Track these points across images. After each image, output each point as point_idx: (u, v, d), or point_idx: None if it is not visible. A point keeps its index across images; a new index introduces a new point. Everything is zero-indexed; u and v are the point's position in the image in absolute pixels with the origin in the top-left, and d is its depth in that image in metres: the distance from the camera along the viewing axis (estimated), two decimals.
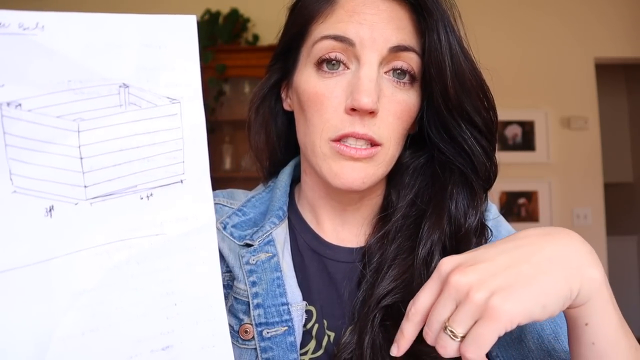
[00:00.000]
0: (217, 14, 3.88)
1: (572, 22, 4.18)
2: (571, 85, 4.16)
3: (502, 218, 0.94)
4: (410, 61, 0.79)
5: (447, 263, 0.60)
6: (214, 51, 3.69)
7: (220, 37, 3.85)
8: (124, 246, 0.59)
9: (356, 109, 0.75)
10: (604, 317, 0.60)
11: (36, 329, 0.55)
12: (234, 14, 3.89)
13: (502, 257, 0.58)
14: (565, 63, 4.15)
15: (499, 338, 0.82)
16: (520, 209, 4.11)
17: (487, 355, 0.83)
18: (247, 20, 3.96)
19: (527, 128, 4.14)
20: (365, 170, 0.79)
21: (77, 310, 0.57)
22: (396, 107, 0.79)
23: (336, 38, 0.78)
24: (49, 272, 0.55)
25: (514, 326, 0.55)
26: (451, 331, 0.57)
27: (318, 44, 0.79)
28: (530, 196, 4.12)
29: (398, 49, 0.78)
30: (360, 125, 0.77)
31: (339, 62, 0.78)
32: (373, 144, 0.78)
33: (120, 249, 0.59)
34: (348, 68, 0.79)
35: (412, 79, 0.81)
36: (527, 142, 4.14)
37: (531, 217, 4.10)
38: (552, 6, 4.16)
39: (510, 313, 0.54)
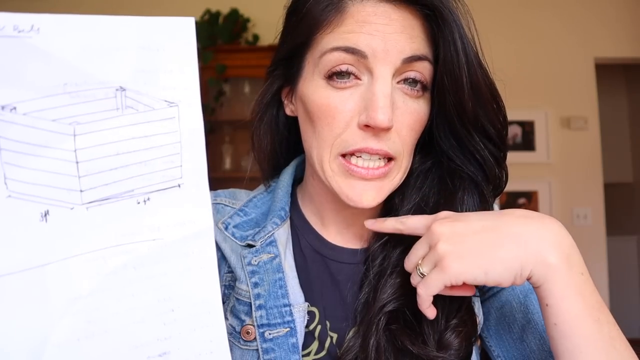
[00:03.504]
0: (217, 14, 3.88)
1: (572, 22, 4.17)
2: (571, 85, 4.15)
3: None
4: (424, 70, 0.78)
5: (442, 214, 0.73)
6: (214, 51, 3.69)
7: (220, 37, 3.84)
8: (121, 251, 0.58)
9: (371, 126, 0.74)
10: (563, 300, 0.64)
11: (31, 335, 0.54)
12: (234, 14, 3.88)
13: (477, 223, 0.68)
14: (565, 63, 4.15)
15: (501, 338, 0.83)
16: (521, 208, 4.10)
17: (489, 354, 0.83)
18: (247, 20, 3.95)
19: (527, 128, 4.14)
20: (377, 189, 0.78)
21: (72, 316, 0.56)
22: (409, 119, 0.78)
23: (347, 50, 0.75)
24: (44, 278, 0.54)
25: (460, 282, 0.67)
26: (419, 269, 0.71)
27: (327, 55, 0.76)
28: (530, 196, 4.11)
29: (412, 60, 0.76)
30: (374, 141, 0.75)
31: (349, 73, 0.76)
32: (387, 158, 0.78)
33: (116, 254, 0.58)
34: (359, 79, 0.76)
35: (424, 87, 0.79)
36: (527, 142, 4.14)
37: None
38: (552, 6, 4.15)
39: (456, 272, 0.66)
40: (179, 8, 3.97)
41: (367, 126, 0.75)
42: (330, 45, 0.76)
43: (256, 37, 3.96)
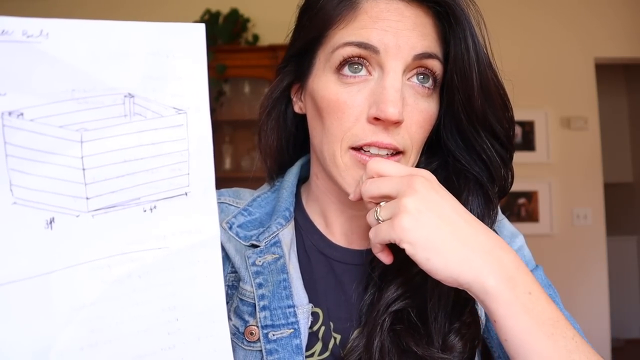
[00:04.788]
0: (217, 14, 3.87)
1: (572, 22, 4.17)
2: (571, 85, 4.15)
3: (505, 220, 0.94)
4: (434, 68, 0.78)
5: (427, 173, 0.72)
6: (214, 51, 3.68)
7: (220, 37, 3.83)
8: (126, 260, 0.58)
9: (381, 119, 0.74)
10: (508, 318, 0.64)
11: (35, 343, 0.54)
12: (234, 14, 3.87)
13: (449, 209, 0.68)
14: (565, 63, 4.15)
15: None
16: (520, 209, 4.11)
17: (490, 355, 0.83)
18: (247, 20, 3.95)
19: (527, 128, 4.14)
20: None
21: (76, 325, 0.56)
22: (419, 116, 0.78)
23: (360, 45, 0.75)
24: (48, 286, 0.54)
25: (401, 246, 0.67)
26: (378, 212, 0.70)
27: (339, 50, 0.77)
28: (530, 196, 4.11)
29: (422, 57, 0.76)
30: (384, 135, 0.76)
31: (361, 65, 0.77)
32: (396, 152, 0.78)
33: (122, 263, 0.57)
34: (370, 74, 0.77)
35: (434, 85, 0.80)
36: (527, 142, 4.14)
37: (531, 217, 4.10)
38: (552, 6, 4.15)
39: (402, 234, 0.66)
40: (179, 8, 3.97)
41: (376, 119, 0.75)
42: (343, 40, 0.77)
43: (256, 37, 3.96)
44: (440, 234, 0.66)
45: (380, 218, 0.70)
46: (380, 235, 0.70)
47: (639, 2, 4.24)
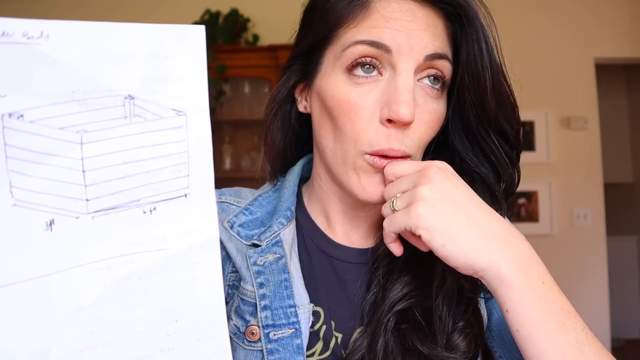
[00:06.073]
0: (217, 14, 3.87)
1: (572, 23, 4.17)
2: (571, 85, 4.16)
3: (507, 220, 0.94)
4: (444, 69, 0.78)
5: (441, 163, 0.73)
6: (214, 51, 3.69)
7: (220, 37, 3.84)
8: (126, 261, 0.57)
9: (394, 120, 0.74)
10: (521, 306, 0.66)
11: (34, 346, 0.53)
12: (234, 14, 3.88)
13: (463, 197, 0.70)
14: (565, 63, 4.15)
15: (503, 340, 0.83)
16: (520, 209, 4.12)
17: (491, 355, 0.83)
18: (247, 20, 3.95)
19: (527, 128, 4.14)
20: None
21: (76, 327, 0.55)
22: (428, 117, 0.78)
23: (372, 44, 0.75)
24: (48, 288, 0.54)
25: (417, 232, 0.68)
26: (394, 202, 0.72)
27: (351, 48, 0.76)
28: (530, 196, 4.12)
29: (434, 57, 0.76)
30: (395, 140, 0.75)
31: (373, 67, 0.76)
32: (403, 156, 0.78)
33: (121, 264, 0.57)
34: (381, 75, 0.77)
35: (444, 86, 0.80)
36: (527, 142, 4.14)
37: (531, 217, 4.11)
38: (551, 7, 4.16)
39: (418, 221, 0.67)
40: (179, 9, 3.97)
41: (389, 121, 0.75)
42: (354, 39, 0.76)
43: (256, 37, 3.96)
44: (456, 221, 0.67)
45: (396, 208, 0.71)
46: (395, 223, 0.71)
47: (639, 2, 4.24)
